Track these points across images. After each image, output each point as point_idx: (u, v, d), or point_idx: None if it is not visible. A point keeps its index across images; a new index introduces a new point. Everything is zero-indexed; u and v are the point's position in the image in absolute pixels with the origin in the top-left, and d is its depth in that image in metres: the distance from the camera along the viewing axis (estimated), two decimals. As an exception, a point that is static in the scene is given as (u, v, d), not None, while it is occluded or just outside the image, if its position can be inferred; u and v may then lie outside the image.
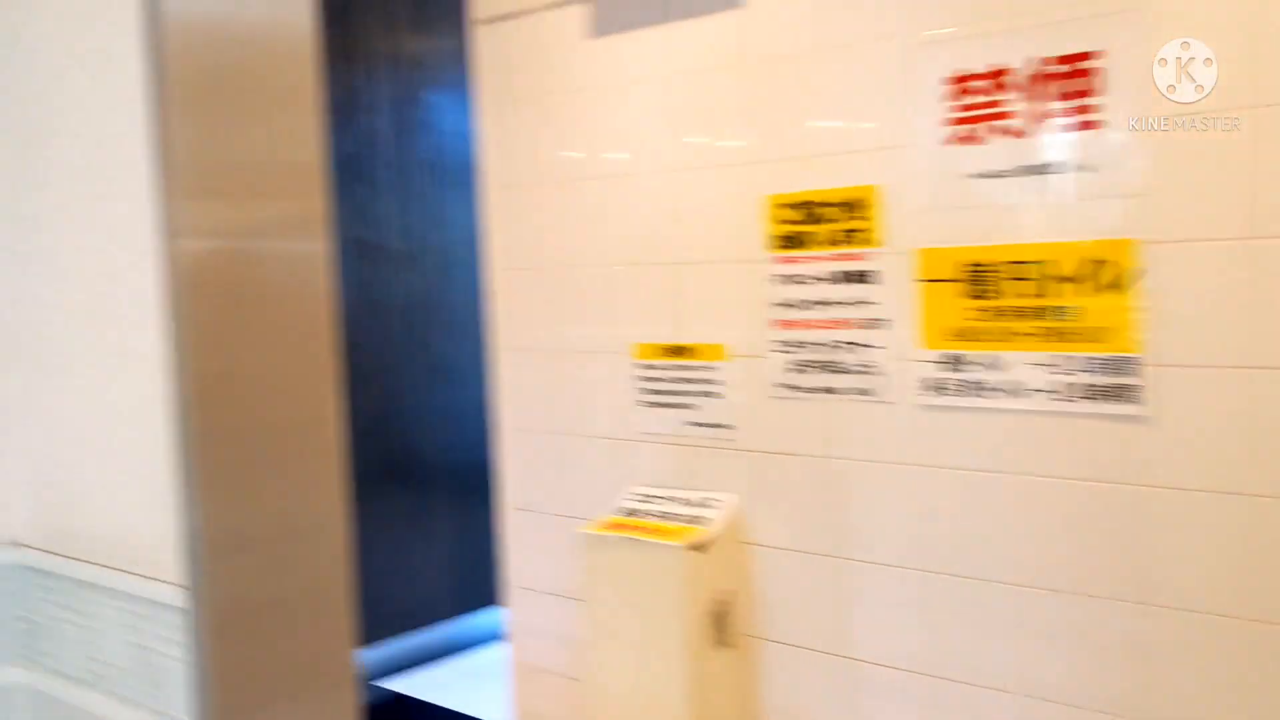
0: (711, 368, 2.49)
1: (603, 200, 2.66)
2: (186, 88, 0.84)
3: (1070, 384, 1.99)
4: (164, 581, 1.32)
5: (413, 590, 3.99)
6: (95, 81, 1.41)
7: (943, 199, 2.11)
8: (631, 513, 2.54)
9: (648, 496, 2.58)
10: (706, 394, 2.50)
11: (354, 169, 3.85)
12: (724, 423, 2.49)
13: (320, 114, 1.00)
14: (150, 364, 1.30)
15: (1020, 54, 2.00)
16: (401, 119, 4.01)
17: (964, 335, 2.10)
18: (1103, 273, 1.95)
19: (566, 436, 2.78)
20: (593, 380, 2.72)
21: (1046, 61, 1.98)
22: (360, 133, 3.88)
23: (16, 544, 1.78)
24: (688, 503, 2.51)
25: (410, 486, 4.00)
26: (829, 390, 2.29)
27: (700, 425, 2.52)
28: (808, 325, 2.32)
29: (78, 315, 1.57)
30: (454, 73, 4.15)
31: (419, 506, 4.03)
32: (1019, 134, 2.02)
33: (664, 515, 2.49)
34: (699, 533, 2.39)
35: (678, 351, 2.54)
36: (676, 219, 2.53)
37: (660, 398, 2.58)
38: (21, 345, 1.74)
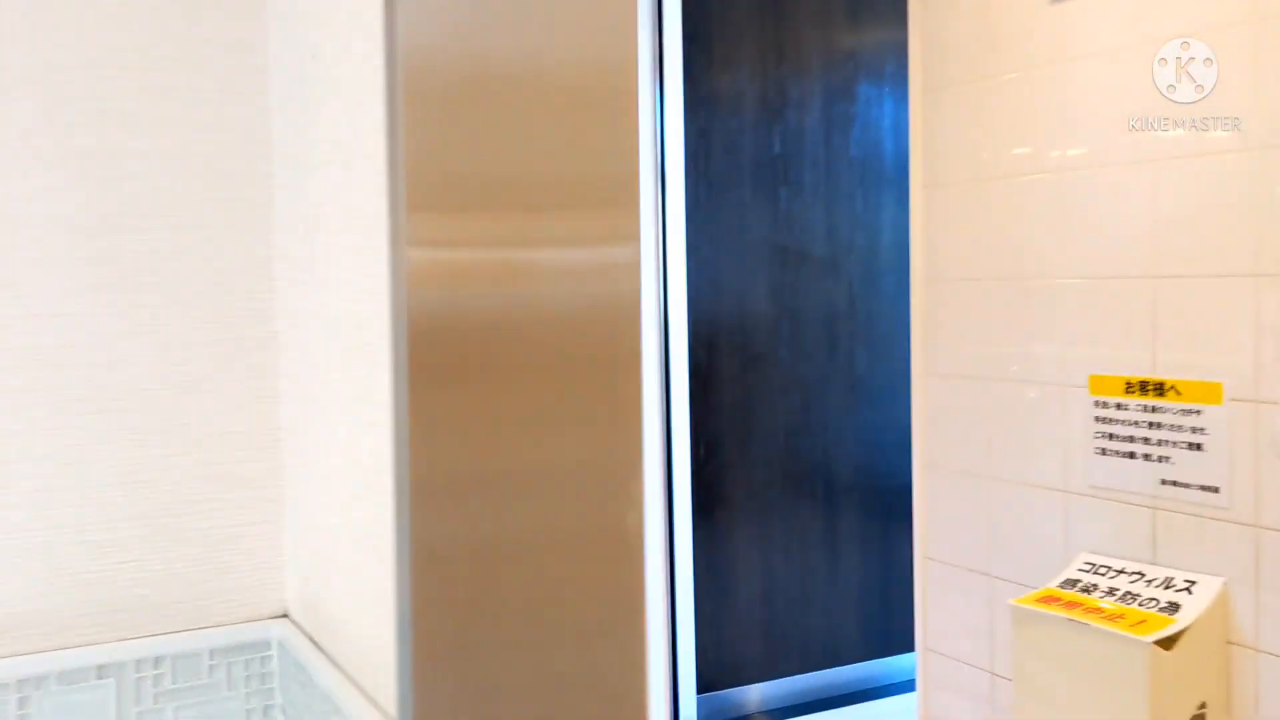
0: (1197, 412, 1.94)
1: (1055, 199, 2.18)
2: (424, 95, 0.66)
3: None
4: (382, 711, 1.07)
5: (819, 623, 3.70)
6: (351, 82, 1.26)
7: None
8: (1077, 585, 2.05)
9: (1099, 568, 2.07)
10: (1189, 445, 1.95)
11: (777, 170, 3.63)
12: (1212, 484, 1.92)
13: (632, 125, 0.76)
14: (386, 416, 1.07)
15: None
16: (833, 116, 3.72)
17: None
18: None
19: (996, 481, 2.33)
20: (1033, 417, 2.24)
21: None
22: (788, 132, 3.65)
23: (286, 616, 1.55)
24: (1153, 582, 1.97)
25: (822, 512, 3.71)
26: (1380, 458, 1.67)
27: (1177, 485, 1.97)
28: (1348, 366, 1.71)
29: (333, 339, 1.38)
30: (896, 65, 3.80)
31: (831, 534, 3.72)
32: None
33: (1120, 595, 1.97)
34: (1168, 624, 1.85)
35: (1151, 389, 2.01)
36: (1155, 221, 2.00)
37: (1123, 445, 2.06)
38: (295, 370, 1.56)
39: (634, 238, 0.76)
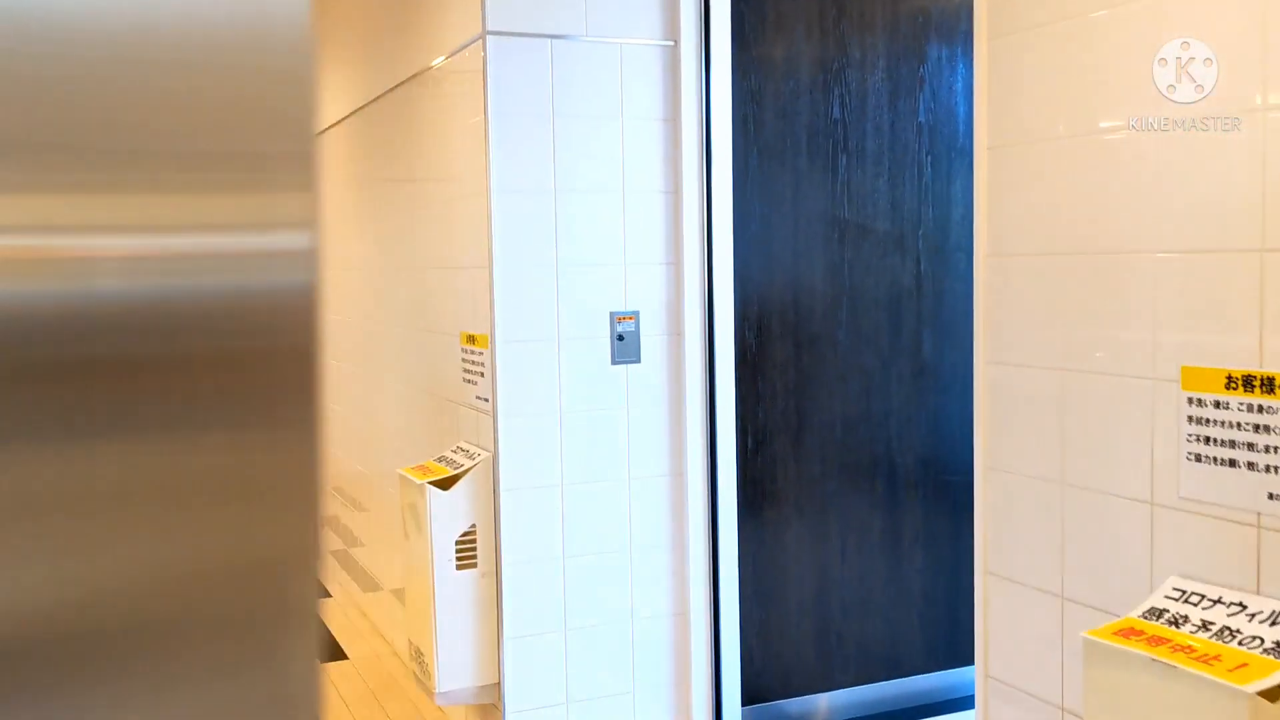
0: (1314, 413, 1.61)
1: (1143, 160, 1.85)
2: None
3: None
4: None
5: (878, 631, 3.40)
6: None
7: None
8: (1164, 616, 1.74)
9: (1190, 596, 1.75)
10: (1303, 454, 1.62)
11: (836, 137, 3.32)
12: (1332, 502, 1.59)
13: (293, 85, 0.52)
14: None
15: None
16: (899, 78, 3.39)
17: None
18: None
19: (1070, 489, 2.01)
20: (1115, 415, 1.92)
21: None
22: (848, 95, 3.33)
23: None
24: (1257, 616, 1.65)
25: (883, 510, 3.40)
26: None
27: (1289, 501, 1.64)
28: None
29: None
30: (971, 22, 3.46)
31: (892, 534, 3.42)
32: None
33: (1215, 630, 1.66)
34: (1275, 669, 1.53)
35: (1258, 384, 1.68)
36: (1266, 185, 1.66)
37: (1222, 451, 1.73)
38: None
39: (295, 224, 0.55)
